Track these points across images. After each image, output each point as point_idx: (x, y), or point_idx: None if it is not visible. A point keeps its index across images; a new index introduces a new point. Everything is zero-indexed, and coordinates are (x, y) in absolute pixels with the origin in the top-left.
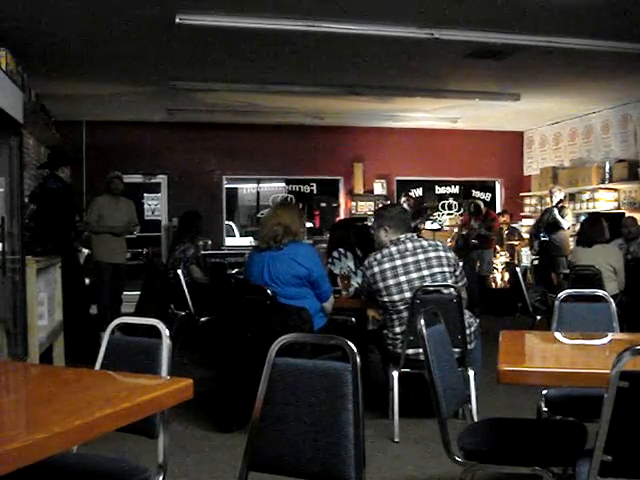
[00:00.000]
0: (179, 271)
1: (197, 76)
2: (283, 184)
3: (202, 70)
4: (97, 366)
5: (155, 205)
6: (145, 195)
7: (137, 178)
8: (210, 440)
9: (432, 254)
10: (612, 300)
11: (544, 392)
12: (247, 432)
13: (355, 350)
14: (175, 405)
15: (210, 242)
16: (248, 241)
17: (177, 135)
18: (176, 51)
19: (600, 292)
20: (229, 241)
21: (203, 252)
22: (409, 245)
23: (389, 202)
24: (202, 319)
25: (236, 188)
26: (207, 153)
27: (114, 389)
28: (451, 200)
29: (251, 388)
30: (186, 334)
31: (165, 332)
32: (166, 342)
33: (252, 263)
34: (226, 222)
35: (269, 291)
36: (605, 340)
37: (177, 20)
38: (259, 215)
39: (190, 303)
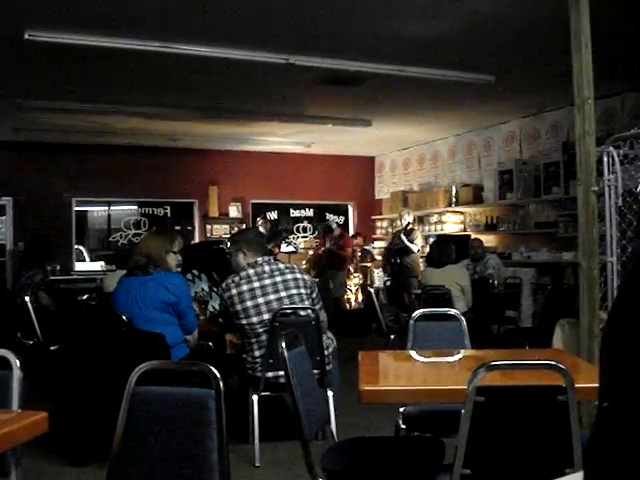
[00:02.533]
0: (26, 297)
1: (46, 95)
2: (136, 207)
3: (51, 89)
4: None
5: None
6: None
7: None
8: (65, 476)
9: (289, 276)
10: (462, 318)
11: (401, 410)
12: (104, 466)
13: (218, 375)
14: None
15: (59, 267)
16: (99, 265)
17: (24, 155)
18: (24, 68)
19: (452, 311)
20: (79, 266)
21: (52, 277)
22: (266, 268)
23: (244, 225)
24: (52, 348)
25: (86, 211)
26: (56, 174)
27: None
28: (306, 223)
29: (107, 419)
30: (35, 364)
31: (15, 362)
32: (17, 373)
33: (120, 287)
34: (76, 246)
35: (124, 317)
36: (457, 357)
37: (26, 36)
38: (110, 239)
39: (39, 331)
